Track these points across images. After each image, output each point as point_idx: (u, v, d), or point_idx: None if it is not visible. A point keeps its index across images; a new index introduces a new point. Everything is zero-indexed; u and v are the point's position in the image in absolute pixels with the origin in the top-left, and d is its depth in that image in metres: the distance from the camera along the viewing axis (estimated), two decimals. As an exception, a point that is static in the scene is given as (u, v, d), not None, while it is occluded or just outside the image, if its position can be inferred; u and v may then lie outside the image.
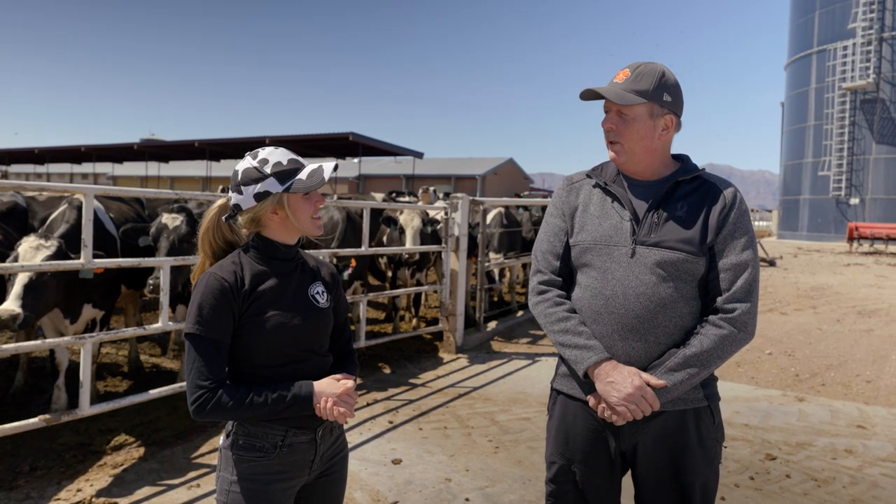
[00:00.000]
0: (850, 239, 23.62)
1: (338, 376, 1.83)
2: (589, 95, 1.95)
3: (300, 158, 1.86)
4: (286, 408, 1.73)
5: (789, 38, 35.47)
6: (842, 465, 4.09)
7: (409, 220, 6.99)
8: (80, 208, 4.30)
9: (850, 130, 30.13)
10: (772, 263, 17.03)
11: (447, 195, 11.43)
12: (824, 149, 31.24)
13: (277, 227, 1.84)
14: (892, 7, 28.80)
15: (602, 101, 1.97)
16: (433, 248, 7.17)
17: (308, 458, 1.84)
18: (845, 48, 30.05)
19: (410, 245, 6.92)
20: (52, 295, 3.98)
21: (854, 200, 30.24)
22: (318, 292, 1.90)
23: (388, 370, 6.16)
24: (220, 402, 1.67)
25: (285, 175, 1.80)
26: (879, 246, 23.72)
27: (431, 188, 10.71)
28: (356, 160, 37.74)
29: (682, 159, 2.02)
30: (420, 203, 10.92)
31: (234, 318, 1.75)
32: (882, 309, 10.00)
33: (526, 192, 16.34)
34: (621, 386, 1.80)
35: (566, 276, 2.04)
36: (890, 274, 15.42)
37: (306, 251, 2.05)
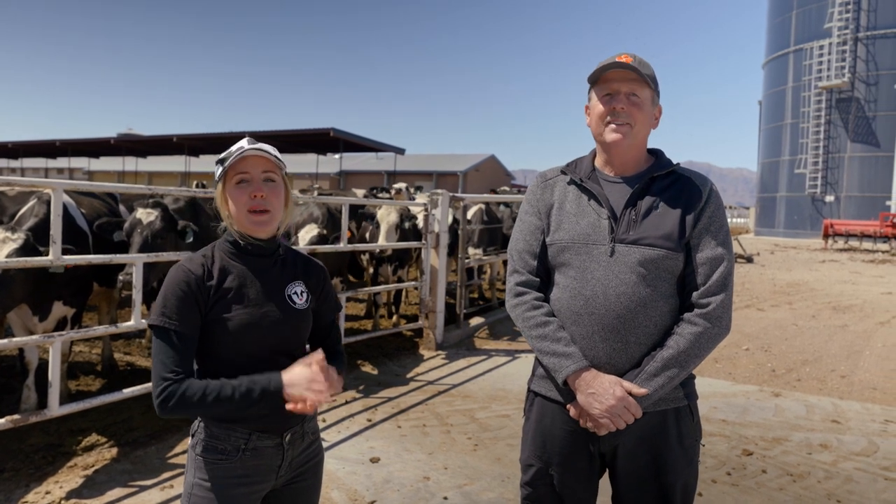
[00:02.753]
0: (826, 236, 24.00)
1: (308, 360, 1.68)
2: (610, 69, 1.86)
3: (261, 145, 1.73)
4: (255, 402, 1.61)
5: (767, 37, 35.92)
6: (817, 459, 4.13)
7: (385, 216, 6.93)
8: (49, 203, 4.20)
9: (826, 129, 30.60)
10: (749, 260, 17.24)
11: (419, 188, 11.37)
12: (801, 147, 31.70)
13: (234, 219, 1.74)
14: (866, 7, 29.28)
15: (586, 91, 1.96)
16: (413, 244, 7.13)
17: (275, 464, 1.75)
18: (821, 48, 30.49)
19: (384, 240, 6.86)
20: (20, 289, 3.88)
21: (829, 198, 30.73)
22: (296, 292, 1.80)
23: (367, 367, 6.12)
24: (185, 395, 1.58)
25: (226, 159, 1.70)
26: (854, 243, 24.14)
27: (405, 186, 10.64)
28: (337, 156, 37.52)
29: (656, 154, 2.00)
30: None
31: (200, 312, 1.67)
32: (856, 305, 10.16)
33: (504, 188, 16.30)
34: (603, 398, 1.77)
35: (544, 275, 1.99)
36: (864, 270, 15.70)
37: (296, 248, 1.95)
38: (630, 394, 1.78)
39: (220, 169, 1.72)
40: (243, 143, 1.72)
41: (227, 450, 1.70)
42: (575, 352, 1.83)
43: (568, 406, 1.88)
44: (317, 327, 1.89)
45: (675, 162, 1.97)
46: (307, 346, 1.89)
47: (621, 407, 1.76)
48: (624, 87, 1.87)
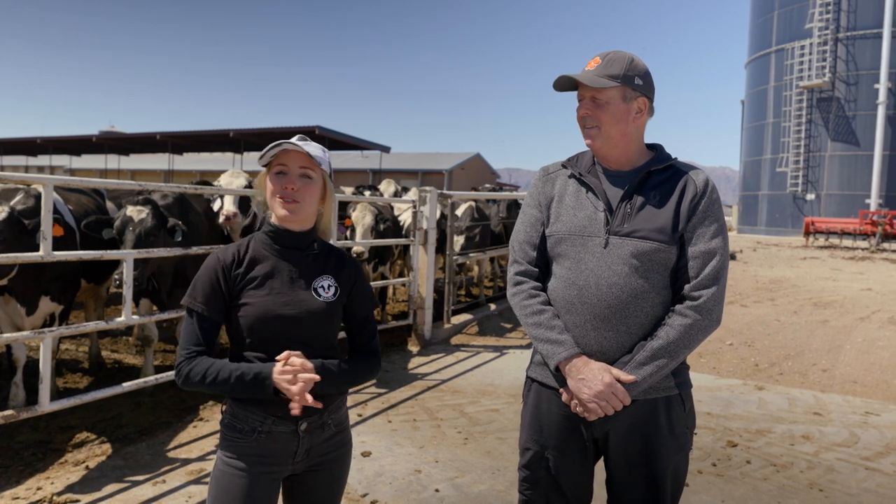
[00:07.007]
0: (807, 233, 24.29)
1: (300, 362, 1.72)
2: (562, 83, 1.97)
3: (303, 143, 1.83)
4: (247, 387, 1.71)
5: (749, 37, 36.29)
6: (799, 450, 4.23)
7: (361, 218, 6.86)
8: (37, 197, 4.18)
9: (807, 128, 30.99)
10: (732, 257, 17.46)
11: (405, 189, 11.39)
12: (782, 146, 32.07)
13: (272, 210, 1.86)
14: (846, 8, 29.70)
15: (575, 95, 2.00)
16: (393, 241, 7.14)
17: (290, 449, 1.81)
18: (802, 48, 30.86)
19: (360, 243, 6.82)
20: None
21: (810, 196, 31.13)
22: (323, 285, 1.85)
23: (356, 364, 6.13)
24: (191, 373, 1.74)
25: (266, 153, 1.81)
26: (834, 240, 24.45)
27: (397, 188, 10.69)
28: (322, 154, 37.32)
29: (656, 148, 2.04)
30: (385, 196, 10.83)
31: (224, 297, 1.79)
32: (837, 301, 10.32)
33: (487, 186, 16.31)
34: (592, 383, 1.82)
35: (543, 266, 2.05)
36: (844, 267, 15.93)
37: (335, 244, 2.03)
38: (619, 381, 1.83)
39: (264, 158, 1.84)
40: (292, 140, 1.83)
41: (245, 429, 1.79)
42: (567, 339, 1.89)
43: (561, 390, 1.93)
44: (350, 322, 1.96)
45: (673, 157, 2.01)
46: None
47: (609, 393, 1.81)
48: (588, 91, 1.94)
